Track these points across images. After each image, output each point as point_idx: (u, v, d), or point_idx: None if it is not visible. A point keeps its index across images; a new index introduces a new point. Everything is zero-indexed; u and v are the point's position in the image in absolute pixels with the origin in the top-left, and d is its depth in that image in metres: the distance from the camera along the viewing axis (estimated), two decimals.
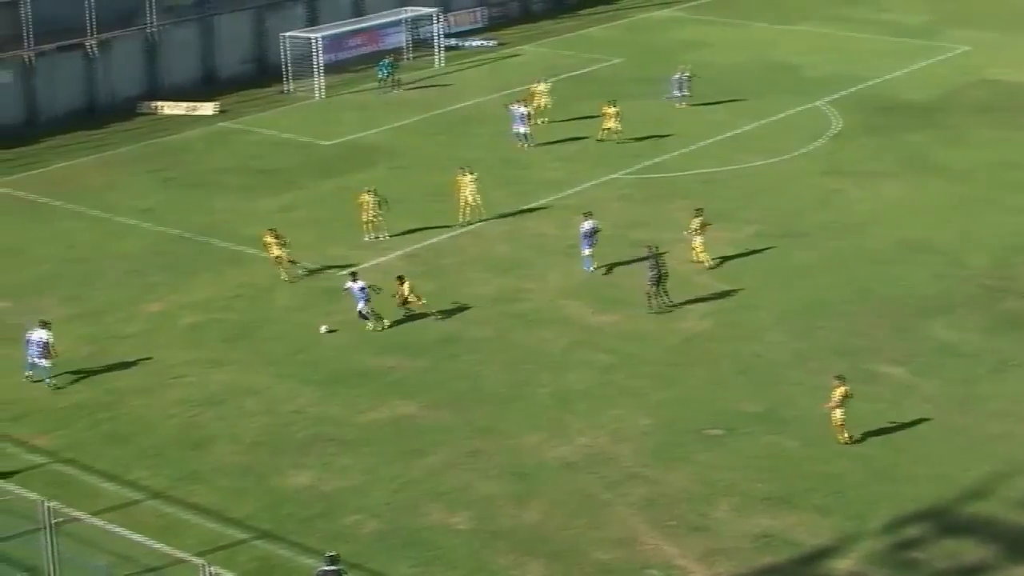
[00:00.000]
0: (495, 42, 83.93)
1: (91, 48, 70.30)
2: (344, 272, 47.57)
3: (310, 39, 72.93)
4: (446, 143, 63.91)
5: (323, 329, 44.44)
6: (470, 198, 53.00)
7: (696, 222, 48.78)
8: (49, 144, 65.77)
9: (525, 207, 55.20)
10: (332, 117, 69.29)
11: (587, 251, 48.65)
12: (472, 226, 52.98)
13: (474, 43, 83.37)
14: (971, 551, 32.48)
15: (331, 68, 74.43)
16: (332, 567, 29.40)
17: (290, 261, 48.09)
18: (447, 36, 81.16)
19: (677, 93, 68.61)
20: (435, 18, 79.49)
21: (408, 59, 78.84)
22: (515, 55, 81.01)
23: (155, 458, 37.03)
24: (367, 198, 51.77)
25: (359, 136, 65.80)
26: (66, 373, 41.67)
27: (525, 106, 63.36)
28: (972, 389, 40.10)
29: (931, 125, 65.67)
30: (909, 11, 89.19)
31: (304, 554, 32.36)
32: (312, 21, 78.21)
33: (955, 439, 37.38)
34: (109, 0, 70.51)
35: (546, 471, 36.06)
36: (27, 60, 68.12)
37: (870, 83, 72.82)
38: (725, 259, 49.43)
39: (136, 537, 30.47)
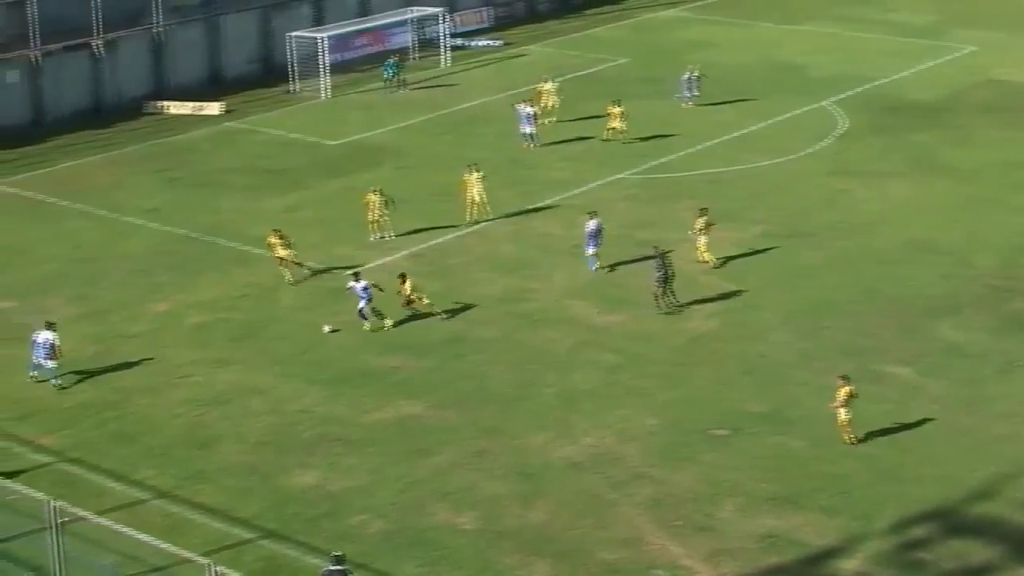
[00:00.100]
0: (501, 42, 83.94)
1: (97, 48, 70.35)
2: (350, 272, 47.56)
3: (316, 39, 72.95)
4: (452, 143, 63.91)
5: (326, 328, 44.45)
6: (477, 197, 53.04)
7: (700, 222, 48.77)
8: (55, 144, 65.84)
9: (531, 207, 55.18)
10: (338, 117, 69.30)
11: (591, 250, 48.64)
12: (478, 225, 52.99)
13: (480, 43, 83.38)
14: (977, 552, 32.44)
15: (337, 68, 74.42)
16: (338, 567, 29.38)
17: (295, 263, 48.05)
18: (453, 36, 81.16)
19: (686, 93, 68.59)
20: (441, 18, 79.47)
21: (414, 59, 78.86)
22: (521, 55, 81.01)
23: (161, 457, 37.05)
24: (373, 198, 51.78)
25: (365, 136, 65.82)
26: (72, 373, 41.68)
27: (531, 106, 63.37)
28: (979, 390, 40.05)
29: (938, 125, 65.61)
30: (915, 11, 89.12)
31: (310, 554, 32.36)
32: (318, 21, 78.26)
33: (961, 440, 37.34)
34: (115, 0, 70.54)
35: (552, 471, 36.05)
36: (33, 60, 68.17)
37: (876, 83, 72.77)
38: (732, 259, 49.43)
39: (142, 536, 30.48)
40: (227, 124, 68.56)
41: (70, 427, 38.79)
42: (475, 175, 53.21)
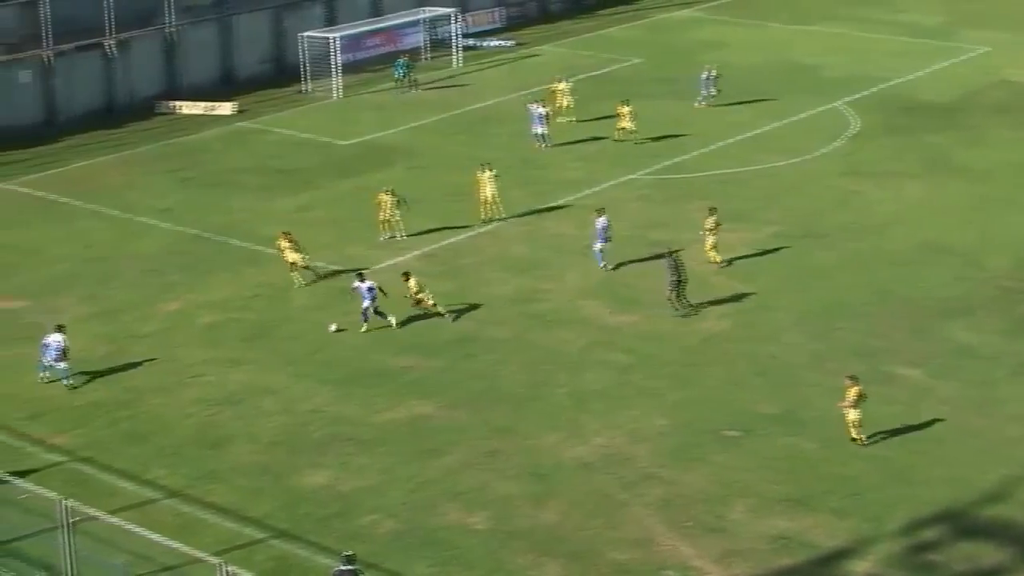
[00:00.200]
0: (513, 42, 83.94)
1: (110, 48, 70.46)
2: (355, 273, 47.68)
3: (328, 39, 73.01)
4: (464, 143, 63.93)
5: (332, 328, 44.48)
6: (490, 196, 53.09)
7: (710, 221, 48.74)
8: (68, 143, 65.96)
9: (543, 207, 55.17)
10: (350, 117, 69.35)
11: (598, 245, 48.65)
12: (490, 225, 53.01)
13: (492, 43, 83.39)
14: (989, 554, 32.38)
15: (349, 68, 74.47)
16: (349, 567, 29.39)
17: (304, 267, 47.92)
18: (465, 36, 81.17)
19: (704, 92, 68.57)
20: (453, 18, 79.49)
21: (426, 59, 78.91)
22: (533, 55, 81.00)
23: (173, 457, 37.09)
24: (385, 198, 51.80)
25: (377, 136, 65.85)
26: (84, 372, 41.74)
27: (544, 106, 63.37)
28: (990, 392, 39.97)
29: (950, 126, 65.52)
30: (927, 12, 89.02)
31: (321, 554, 32.37)
32: (330, 21, 78.34)
33: (973, 442, 37.28)
34: (127, 0, 70.63)
35: (563, 471, 36.04)
36: (46, 60, 68.30)
37: (889, 84, 72.68)
38: (743, 259, 49.40)
39: (153, 536, 30.53)
40: (239, 124, 68.63)
41: (82, 426, 38.85)
42: (488, 174, 53.28)
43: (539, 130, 62.66)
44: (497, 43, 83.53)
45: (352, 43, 76.02)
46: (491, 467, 36.26)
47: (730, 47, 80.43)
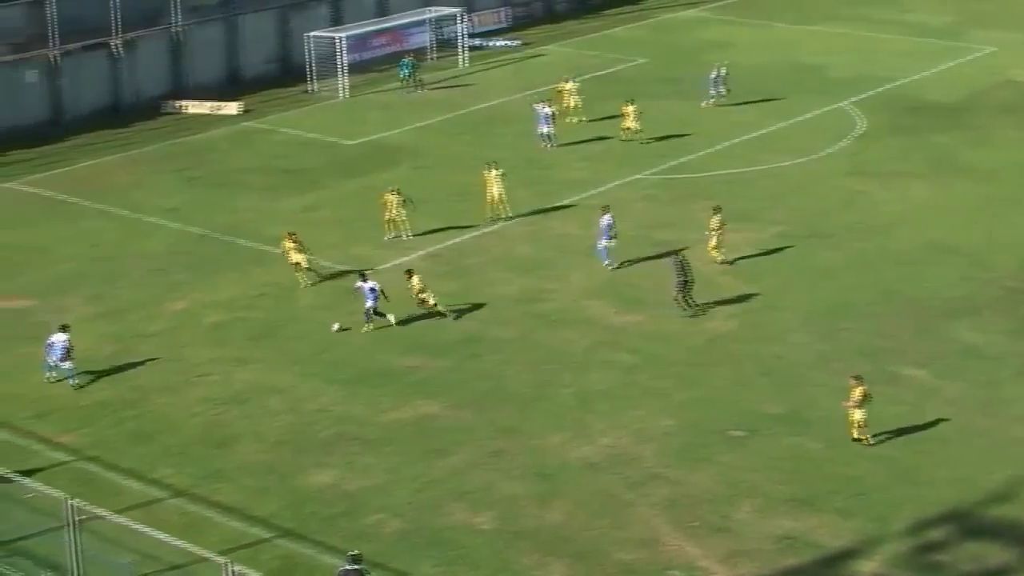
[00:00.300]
0: (519, 42, 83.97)
1: (116, 47, 70.53)
2: (373, 271, 47.77)
3: (334, 39, 73.06)
4: (470, 143, 63.95)
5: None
6: (496, 195, 53.14)
7: (715, 220, 48.74)
8: (74, 143, 66.03)
9: (549, 207, 55.18)
10: (356, 117, 69.39)
11: (603, 242, 48.70)
12: (496, 225, 53.03)
13: (498, 43, 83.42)
14: (995, 554, 32.37)
15: (355, 68, 74.53)
16: (354, 566, 29.41)
17: (306, 268, 47.85)
18: (471, 36, 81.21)
19: (713, 92, 68.57)
20: (459, 18, 79.53)
21: (432, 59, 78.95)
22: (539, 55, 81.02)
23: (179, 456, 37.13)
24: (391, 198, 51.82)
25: (383, 136, 65.88)
26: (90, 372, 41.80)
27: (550, 106, 63.37)
28: (996, 392, 39.96)
29: (956, 126, 65.48)
30: (934, 12, 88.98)
31: (327, 553, 32.40)
32: (336, 21, 78.36)
33: (978, 442, 37.27)
34: (134, 0, 70.69)
35: (569, 471, 36.06)
36: (52, 59, 68.37)
37: (895, 84, 72.66)
38: (749, 259, 49.40)
39: (159, 535, 30.59)
40: (245, 124, 68.68)
41: (88, 426, 38.89)
42: (494, 173, 53.33)
43: (545, 130, 62.66)
44: (503, 43, 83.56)
45: (358, 43, 76.06)
46: (497, 467, 36.28)
47: (736, 47, 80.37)
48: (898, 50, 79.81)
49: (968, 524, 33.51)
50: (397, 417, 39.00)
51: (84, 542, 30.65)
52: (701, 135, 64.18)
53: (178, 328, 45.21)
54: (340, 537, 33.03)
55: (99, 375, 41.78)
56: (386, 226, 51.89)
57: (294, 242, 47.90)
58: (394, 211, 51.72)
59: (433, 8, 79.94)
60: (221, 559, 28.46)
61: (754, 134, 64.45)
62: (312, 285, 47.77)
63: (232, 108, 70.43)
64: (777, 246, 50.78)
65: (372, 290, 44.16)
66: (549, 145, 62.50)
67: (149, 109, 70.73)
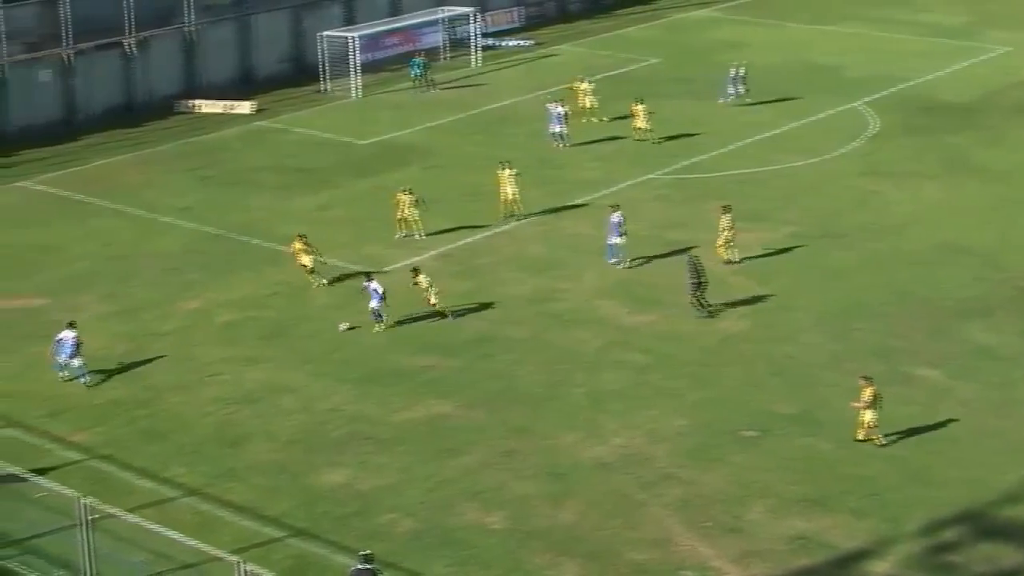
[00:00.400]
0: (532, 42, 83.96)
1: (129, 47, 70.62)
2: (385, 270, 47.84)
3: (347, 38, 73.06)
4: (482, 143, 63.94)
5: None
6: (510, 194, 53.16)
7: (725, 220, 48.69)
8: (87, 142, 66.13)
9: (561, 207, 55.16)
10: (368, 116, 69.41)
11: (613, 240, 48.71)
12: (508, 225, 53.03)
13: (511, 43, 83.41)
14: (1008, 555, 32.32)
15: (368, 67, 74.53)
16: (367, 566, 29.41)
17: (311, 270, 47.67)
18: (484, 36, 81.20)
19: (732, 91, 68.52)
20: (472, 18, 79.53)
21: (445, 59, 78.95)
22: (552, 55, 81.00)
23: (191, 455, 37.16)
24: (403, 197, 51.83)
25: (395, 136, 65.89)
26: (103, 370, 41.85)
27: (563, 106, 63.33)
28: (1009, 393, 39.87)
29: (970, 126, 65.37)
30: (948, 12, 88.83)
31: (339, 552, 32.41)
32: (349, 20, 78.39)
33: (991, 442, 37.20)
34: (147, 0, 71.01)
35: (581, 471, 36.04)
36: (66, 59, 68.47)
37: (908, 84, 72.54)
38: (762, 260, 49.35)
39: (172, 534, 30.66)
40: (258, 123, 68.74)
41: (101, 424, 38.94)
42: (508, 172, 53.34)
43: (557, 129, 62.64)
44: (515, 43, 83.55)
45: (371, 43, 76.06)
46: (509, 467, 36.27)
47: (749, 47, 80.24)
48: (912, 50, 79.68)
49: (981, 525, 33.45)
50: (409, 417, 39.01)
51: (97, 541, 30.71)
52: (713, 135, 64.13)
53: (191, 327, 45.25)
54: (352, 536, 33.03)
55: (112, 374, 41.84)
56: (397, 225, 51.91)
57: (304, 244, 47.83)
58: (406, 211, 51.74)
59: (446, 8, 79.94)
60: (233, 558, 28.51)
61: (767, 134, 64.38)
62: (323, 286, 47.63)
63: (245, 107, 70.49)
64: (790, 246, 50.71)
65: (375, 291, 44.16)
66: (561, 144, 62.48)
67: (162, 108, 70.80)
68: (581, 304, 46.43)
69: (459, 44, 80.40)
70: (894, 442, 36.85)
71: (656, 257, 49.51)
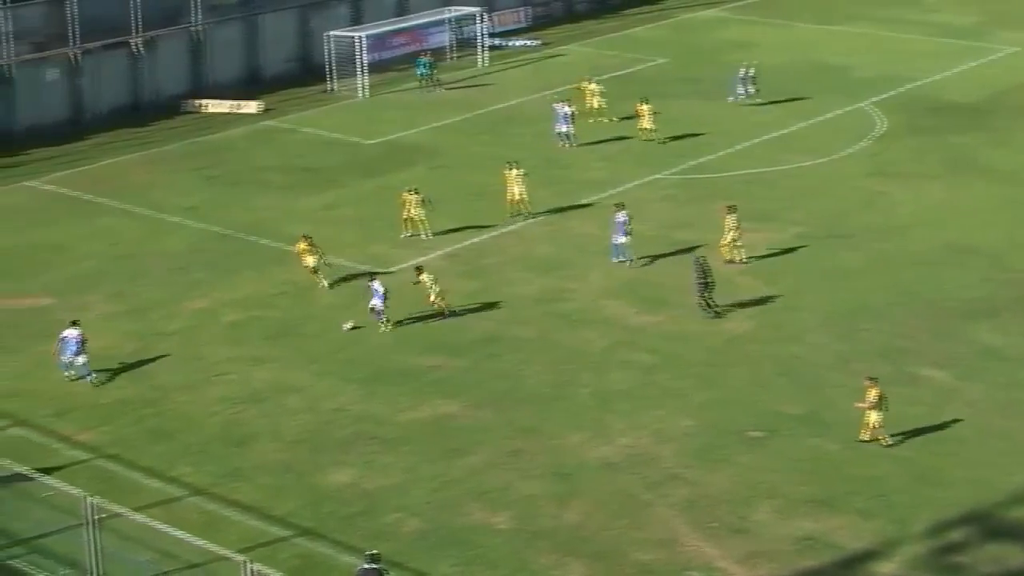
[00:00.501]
0: (539, 42, 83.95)
1: (136, 46, 70.67)
2: (392, 270, 47.85)
3: (354, 38, 73.07)
4: (488, 143, 63.94)
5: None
6: (517, 194, 53.17)
7: (731, 220, 48.67)
8: (94, 142, 66.18)
9: (567, 207, 55.15)
10: (375, 116, 69.42)
11: (619, 239, 48.73)
12: (516, 224, 53.02)
13: (517, 43, 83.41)
14: (1015, 556, 32.28)
15: (375, 67, 74.52)
16: (373, 565, 29.44)
17: (314, 270, 47.64)
18: (491, 36, 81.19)
19: (742, 91, 68.51)
20: (479, 17, 79.52)
21: (451, 59, 78.96)
22: (559, 55, 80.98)
23: (198, 455, 37.18)
24: (409, 197, 51.83)
25: (402, 135, 65.90)
26: (110, 369, 41.88)
27: (569, 105, 63.31)
28: (1015, 393, 39.83)
29: (977, 127, 65.30)
30: (956, 12, 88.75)
31: (345, 552, 32.42)
32: (356, 20, 78.42)
33: (998, 443, 37.16)
34: None
35: (587, 471, 36.04)
36: (73, 58, 68.53)
37: (916, 84, 72.48)
38: (768, 260, 49.33)
39: (178, 533, 30.69)
40: (265, 123, 68.77)
41: (108, 424, 38.97)
42: (515, 172, 53.35)
43: (563, 129, 62.65)
44: (522, 43, 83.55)
45: (378, 42, 76.07)
46: (515, 467, 36.27)
47: (756, 47, 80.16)
48: (920, 50, 79.61)
49: (988, 526, 33.43)
50: (415, 416, 39.01)
51: (103, 540, 30.74)
52: (721, 135, 64.10)
53: (198, 327, 45.28)
54: (358, 536, 33.04)
55: (116, 373, 41.85)
56: (403, 225, 51.93)
57: (308, 244, 47.75)
58: (412, 211, 51.74)
59: (453, 8, 79.96)
60: (240, 558, 28.54)
61: (774, 134, 64.36)
62: (325, 288, 47.54)
63: (252, 107, 70.53)
64: (796, 246, 50.68)
65: (376, 291, 44.16)
66: (567, 144, 62.47)
67: (169, 108, 70.84)
68: (588, 304, 46.42)
69: (466, 44, 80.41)
70: (900, 443, 36.82)
71: (662, 256, 49.50)
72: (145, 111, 70.40)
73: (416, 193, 51.89)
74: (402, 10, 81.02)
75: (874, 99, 69.58)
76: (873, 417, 36.58)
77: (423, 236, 51.67)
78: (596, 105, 65.99)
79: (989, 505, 34.23)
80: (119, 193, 58.29)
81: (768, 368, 41.60)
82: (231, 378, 41.59)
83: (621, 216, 48.93)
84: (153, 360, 42.76)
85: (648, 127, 62.66)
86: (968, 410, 38.78)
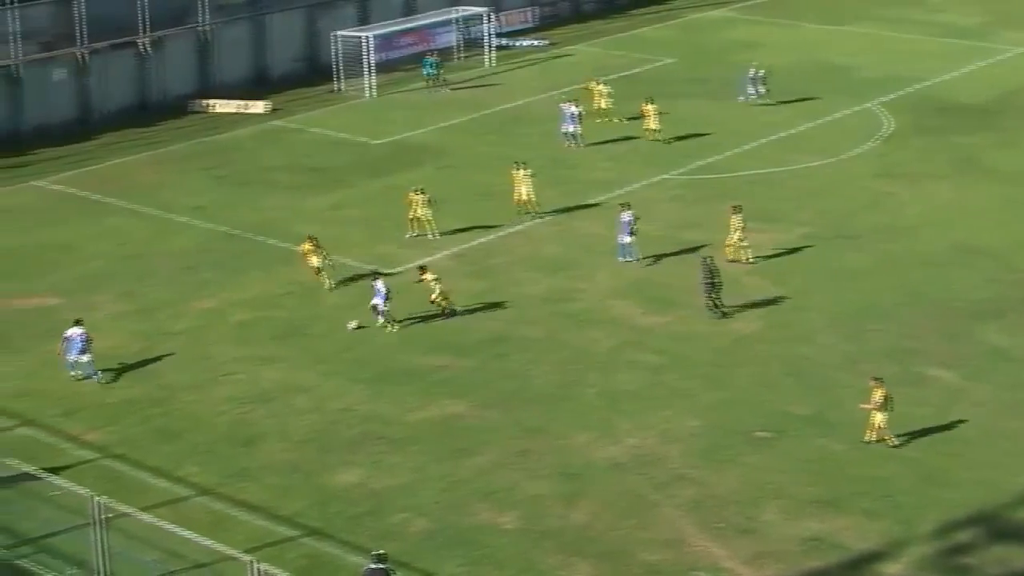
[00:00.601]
0: (546, 42, 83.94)
1: (144, 46, 70.73)
2: (399, 270, 47.88)
3: (361, 38, 73.11)
4: (495, 143, 63.95)
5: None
6: (524, 194, 53.19)
7: (736, 220, 48.66)
8: (102, 141, 66.24)
9: (575, 207, 55.16)
10: (382, 116, 69.44)
11: (625, 239, 48.76)
12: (523, 224, 53.03)
13: (525, 43, 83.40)
14: (1021, 557, 32.24)
15: (382, 67, 74.57)
16: (380, 565, 29.44)
17: (318, 271, 47.63)
18: (498, 36, 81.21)
19: (752, 91, 68.50)
20: (486, 17, 79.54)
21: (459, 59, 78.97)
22: (566, 55, 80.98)
23: (205, 454, 37.22)
24: (415, 197, 51.86)
25: (409, 135, 65.92)
26: (115, 369, 41.92)
27: (577, 105, 63.31)
28: (1022, 394, 39.78)
29: (984, 127, 65.24)
30: (962, 12, 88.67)
31: (352, 552, 32.45)
32: (363, 20, 78.43)
33: (1005, 444, 37.14)
34: None
35: (594, 471, 36.05)
36: (80, 58, 68.60)
37: (923, 85, 72.42)
38: (776, 260, 49.31)
39: (185, 533, 30.71)
40: (272, 123, 68.81)
41: (115, 423, 39.02)
42: (522, 172, 53.39)
43: (570, 128, 62.66)
44: (529, 43, 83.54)
45: (385, 42, 76.10)
46: (522, 467, 36.28)
47: (764, 47, 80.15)
48: (926, 51, 79.57)
49: (995, 527, 33.41)
50: (423, 416, 39.04)
51: (110, 540, 30.78)
52: (728, 135, 64.08)
53: (205, 326, 45.32)
54: (366, 536, 33.07)
55: (120, 372, 41.89)
56: (409, 225, 51.95)
57: (314, 245, 47.72)
58: (419, 211, 51.77)
59: (460, 8, 79.98)
60: (247, 557, 28.57)
61: (781, 134, 64.34)
62: (335, 287, 47.60)
63: (259, 107, 70.58)
64: (804, 247, 50.66)
65: (379, 290, 44.18)
66: (573, 144, 62.48)
67: (176, 108, 70.90)
68: (595, 304, 46.43)
69: (473, 44, 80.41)
70: (907, 443, 36.80)
71: (669, 255, 49.52)
72: (152, 111, 70.47)
73: (422, 193, 51.92)
74: (409, 10, 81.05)
75: (881, 99, 69.54)
76: (878, 418, 36.56)
77: (430, 236, 51.69)
78: (604, 105, 65.96)
79: (996, 506, 34.21)
80: (126, 193, 58.35)
81: (775, 368, 41.60)
82: (238, 378, 41.62)
83: (626, 216, 49.00)
84: (160, 360, 42.81)
85: (653, 127, 62.65)
86: (975, 411, 38.77)
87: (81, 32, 68.32)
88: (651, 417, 38.69)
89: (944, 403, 39.19)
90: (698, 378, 41.09)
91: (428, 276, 45.06)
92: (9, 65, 66.45)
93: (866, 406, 36.74)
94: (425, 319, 44.96)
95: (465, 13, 79.88)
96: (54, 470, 35.17)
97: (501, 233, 52.62)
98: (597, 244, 51.12)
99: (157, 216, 55.61)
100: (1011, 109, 68.19)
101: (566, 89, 69.14)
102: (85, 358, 41.22)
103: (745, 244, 48.81)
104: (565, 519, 33.91)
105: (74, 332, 41.31)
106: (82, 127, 67.76)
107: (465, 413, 39.22)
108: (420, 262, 46.71)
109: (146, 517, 31.91)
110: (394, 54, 77.65)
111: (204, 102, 71.41)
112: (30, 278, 49.56)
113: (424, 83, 73.38)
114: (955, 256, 49.91)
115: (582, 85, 68.32)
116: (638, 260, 48.97)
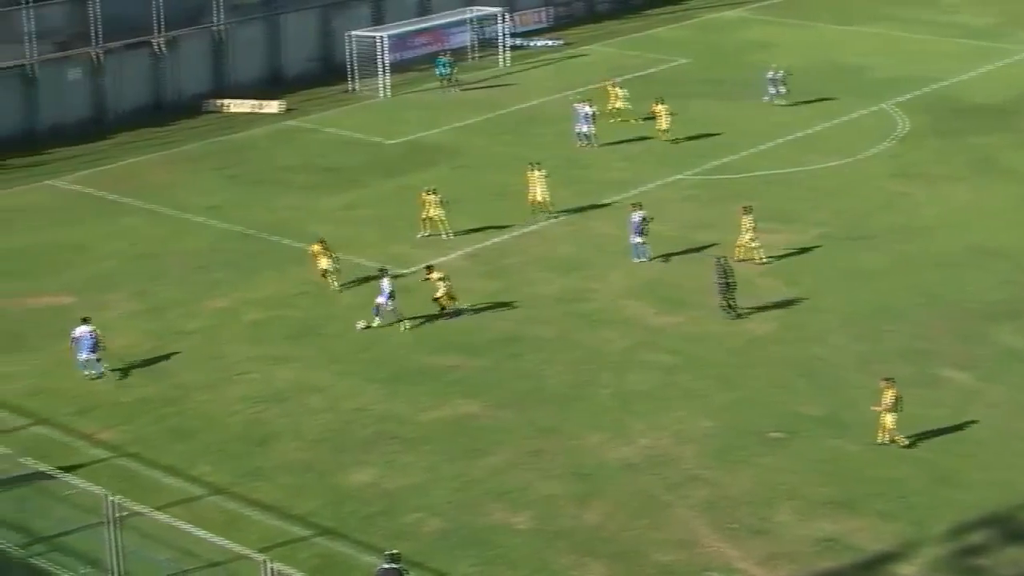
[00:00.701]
0: (560, 42, 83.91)
1: (158, 46, 70.83)
2: (411, 270, 47.90)
3: (376, 38, 73.14)
4: (510, 143, 63.95)
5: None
6: (539, 195, 53.19)
7: (747, 220, 48.62)
8: (116, 141, 66.35)
9: (589, 207, 55.14)
10: (396, 116, 69.47)
11: (636, 239, 48.74)
12: (537, 224, 53.02)
13: (539, 43, 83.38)
14: None
15: (396, 67, 74.61)
16: (393, 565, 29.44)
17: (324, 273, 47.61)
18: (512, 36, 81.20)
19: (773, 91, 68.45)
20: (500, 17, 79.54)
21: (473, 59, 78.97)
22: (581, 55, 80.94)
23: (219, 454, 37.26)
24: (428, 197, 51.86)
25: (423, 135, 65.94)
26: (122, 369, 41.97)
27: (591, 106, 63.28)
28: None
29: (999, 128, 65.09)
30: (976, 13, 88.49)
31: (365, 552, 32.46)
32: (378, 20, 78.45)
33: (1018, 445, 37.04)
34: None
35: (608, 472, 36.03)
36: (95, 58, 68.71)
37: (938, 85, 72.29)
38: (790, 261, 49.26)
39: (199, 532, 30.74)
40: (286, 122, 68.87)
41: (129, 422, 39.07)
42: (537, 173, 53.38)
43: (584, 129, 62.64)
44: (544, 43, 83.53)
45: (399, 42, 76.14)
46: (536, 467, 36.27)
47: (778, 48, 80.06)
48: (940, 51, 79.43)
49: (1009, 528, 33.33)
50: (436, 416, 39.04)
51: (124, 538, 30.84)
52: (743, 135, 64.01)
53: (218, 326, 45.37)
54: (379, 536, 33.07)
55: (128, 371, 41.93)
56: (422, 224, 51.96)
57: (323, 247, 47.65)
58: (432, 211, 51.78)
59: (474, 7, 79.99)
60: (260, 557, 28.61)
61: (796, 135, 64.26)
62: (342, 289, 47.52)
63: (273, 107, 70.64)
64: (818, 248, 50.59)
65: (383, 289, 44.18)
66: (587, 144, 62.46)
67: (191, 107, 71.01)
68: (608, 304, 46.41)
69: (487, 44, 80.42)
70: (921, 444, 36.73)
71: (682, 253, 49.49)
72: (167, 111, 70.58)
73: (435, 194, 51.93)
74: (424, 10, 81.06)
75: (895, 100, 69.41)
76: (889, 419, 36.50)
77: (443, 236, 51.70)
78: (619, 106, 65.89)
79: (1010, 507, 34.13)
80: (141, 192, 58.44)
81: (789, 369, 41.55)
82: (252, 377, 41.66)
83: (636, 216, 48.97)
84: (174, 359, 42.86)
85: (664, 127, 62.60)
86: (989, 412, 38.69)
87: (96, 32, 68.44)
88: (664, 417, 38.66)
89: (958, 404, 39.12)
90: (711, 379, 41.05)
91: (435, 275, 45.06)
92: (24, 65, 66.59)
93: (877, 408, 36.68)
94: (438, 319, 44.96)
95: (480, 13, 79.89)
96: (68, 469, 35.22)
97: (515, 233, 52.62)
98: (610, 244, 51.10)
99: (171, 215, 55.69)
100: None
101: (580, 89, 69.14)
102: (94, 356, 41.27)
103: (756, 244, 48.75)
104: (578, 519, 33.90)
105: (82, 331, 41.37)
106: (97, 127, 67.89)
107: (479, 413, 39.22)
108: (429, 263, 46.65)
109: (160, 516, 31.99)
110: (408, 54, 77.68)
111: (218, 102, 71.50)
112: (44, 277, 49.66)
113: (439, 83, 73.40)
114: (970, 257, 49.80)
115: (599, 85, 68.20)
116: (650, 260, 48.99)
